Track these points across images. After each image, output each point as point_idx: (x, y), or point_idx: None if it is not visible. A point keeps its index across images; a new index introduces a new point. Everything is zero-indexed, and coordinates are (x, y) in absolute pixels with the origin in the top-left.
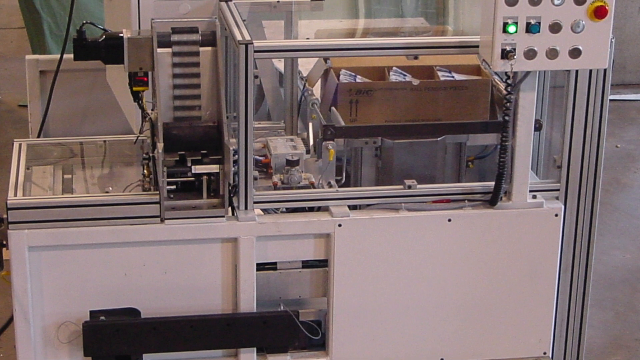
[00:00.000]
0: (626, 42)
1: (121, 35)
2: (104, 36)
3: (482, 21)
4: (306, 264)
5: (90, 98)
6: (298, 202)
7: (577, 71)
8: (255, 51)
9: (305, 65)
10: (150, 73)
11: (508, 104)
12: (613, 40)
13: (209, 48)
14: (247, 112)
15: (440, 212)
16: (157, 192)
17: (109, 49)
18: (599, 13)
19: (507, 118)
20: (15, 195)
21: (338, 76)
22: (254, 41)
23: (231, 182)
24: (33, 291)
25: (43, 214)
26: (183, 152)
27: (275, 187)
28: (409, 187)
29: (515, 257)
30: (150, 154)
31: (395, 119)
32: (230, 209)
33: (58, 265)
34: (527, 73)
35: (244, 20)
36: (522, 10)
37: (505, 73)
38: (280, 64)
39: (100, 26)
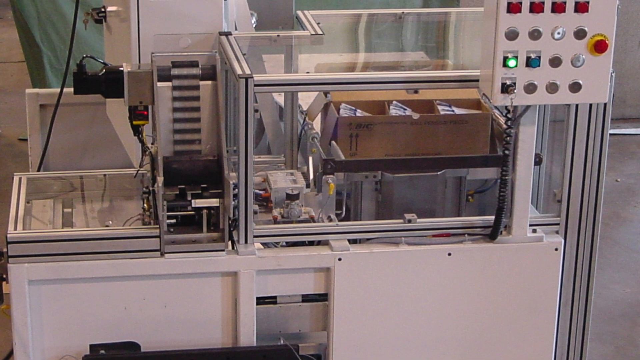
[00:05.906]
0: (626, 76)
1: (121, 69)
2: (104, 70)
3: (482, 55)
4: (306, 298)
5: (90, 132)
6: (298, 236)
7: (577, 105)
8: (255, 85)
9: (306, 99)
10: (150, 107)
11: (508, 138)
12: (613, 74)
13: (209, 82)
14: (247, 145)
15: (440, 246)
16: (157, 226)
17: (109, 83)
18: (599, 47)
19: (507, 152)
20: (15, 229)
21: (338, 110)
22: (254, 75)
23: (231, 216)
24: (33, 325)
25: (43, 247)
26: (183, 186)
27: (275, 221)
28: (409, 221)
29: (515, 291)
30: (150, 188)
31: (396, 153)
32: (230, 242)
33: (58, 299)
34: (527, 107)
35: (244, 54)
36: (522, 44)
37: (506, 107)
38: (280, 98)
39: (100, 60)
